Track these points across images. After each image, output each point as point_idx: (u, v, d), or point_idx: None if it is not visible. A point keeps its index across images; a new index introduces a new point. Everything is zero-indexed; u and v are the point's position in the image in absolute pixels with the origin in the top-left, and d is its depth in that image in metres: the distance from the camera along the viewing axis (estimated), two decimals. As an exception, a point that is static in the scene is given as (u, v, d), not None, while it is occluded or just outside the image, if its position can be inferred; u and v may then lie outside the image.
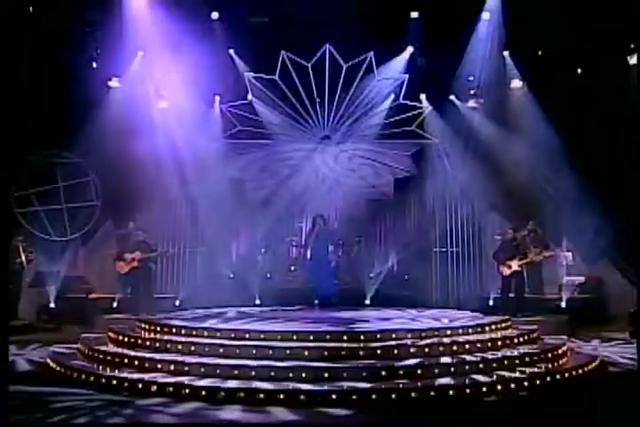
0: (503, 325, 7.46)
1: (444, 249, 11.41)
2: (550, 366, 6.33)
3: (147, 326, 7.17)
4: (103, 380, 5.74)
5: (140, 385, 5.51)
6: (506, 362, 6.15)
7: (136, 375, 5.74)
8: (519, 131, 10.72)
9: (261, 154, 12.08)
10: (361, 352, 6.04)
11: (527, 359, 6.33)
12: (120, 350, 6.57)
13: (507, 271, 9.24)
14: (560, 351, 6.73)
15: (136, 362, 6.04)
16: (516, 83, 11.16)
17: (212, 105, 11.56)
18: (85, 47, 10.41)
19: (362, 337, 6.37)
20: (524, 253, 9.37)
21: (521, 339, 7.00)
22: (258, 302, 10.48)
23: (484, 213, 11.44)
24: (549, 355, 6.56)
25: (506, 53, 11.02)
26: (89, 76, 10.39)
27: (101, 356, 6.41)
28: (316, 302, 9.72)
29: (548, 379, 5.86)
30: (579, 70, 10.65)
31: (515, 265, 9.20)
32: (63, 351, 7.27)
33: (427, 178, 11.51)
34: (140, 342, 6.67)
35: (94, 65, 10.67)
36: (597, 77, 9.98)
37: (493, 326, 7.25)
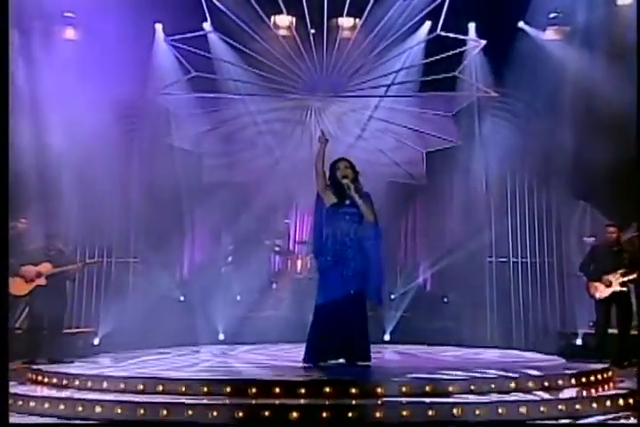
0: (600, 377, 6.84)
1: (504, 259, 11.14)
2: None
3: (47, 380, 6.75)
4: None
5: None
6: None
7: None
8: (630, 73, 9.76)
9: (226, 115, 11.64)
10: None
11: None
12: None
13: (603, 293, 8.76)
14: (697, 425, 5.97)
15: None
16: (627, -3, 10.58)
17: (150, 38, 11.04)
18: None
19: (353, 390, 5.83)
20: (630, 264, 8.79)
21: (630, 400, 6.10)
22: (221, 336, 10.22)
23: (568, 203, 10.97)
24: (679, 429, 5.85)
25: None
26: None
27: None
28: (322, 362, 6.95)
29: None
30: None
31: (615, 283, 8.69)
32: None
33: (476, 151, 11.17)
34: (33, 404, 6.03)
35: None
36: None
37: (584, 379, 6.61)
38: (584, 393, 6.30)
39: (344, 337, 6.83)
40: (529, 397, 5.98)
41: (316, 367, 6.81)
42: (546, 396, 6.05)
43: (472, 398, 5.80)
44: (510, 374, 6.52)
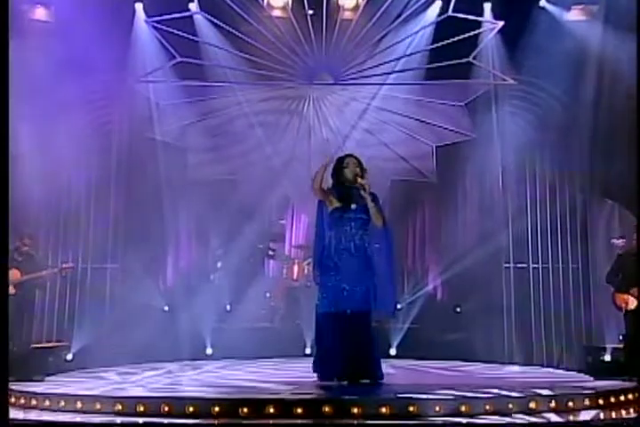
0: (630, 396, 6.83)
1: (523, 264, 11.13)
2: None
3: (15, 400, 6.75)
4: None
5: None
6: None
7: None
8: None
9: (214, 105, 11.54)
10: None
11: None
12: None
13: (631, 304, 8.76)
14: None
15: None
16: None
17: (129, 19, 10.88)
18: None
19: (355, 410, 5.81)
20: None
21: (665, 422, 6.22)
22: (209, 351, 10.20)
23: (594, 202, 11.06)
24: None
25: None
26: None
27: None
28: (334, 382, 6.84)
29: None
30: None
31: (645, 295, 8.91)
32: None
33: (492, 145, 11.06)
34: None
35: None
36: None
37: (612, 399, 6.63)
38: (613, 415, 6.26)
39: (350, 354, 6.73)
40: (552, 418, 5.95)
41: (316, 385, 6.79)
42: (570, 417, 6.05)
43: (487, 418, 5.82)
44: (530, 393, 6.46)
